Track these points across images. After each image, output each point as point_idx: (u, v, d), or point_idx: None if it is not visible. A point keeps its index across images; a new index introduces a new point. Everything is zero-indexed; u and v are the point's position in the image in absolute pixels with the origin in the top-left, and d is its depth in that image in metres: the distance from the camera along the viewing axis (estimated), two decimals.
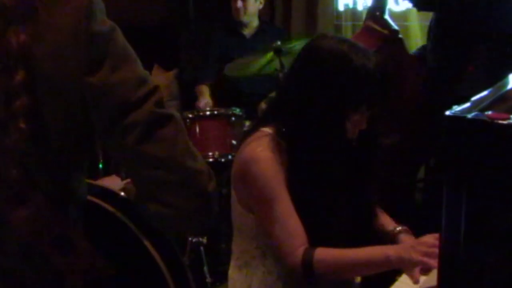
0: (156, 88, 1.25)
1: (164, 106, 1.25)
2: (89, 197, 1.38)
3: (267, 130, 1.89)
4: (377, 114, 1.89)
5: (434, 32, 3.10)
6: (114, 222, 1.41)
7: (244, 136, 1.96)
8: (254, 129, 1.94)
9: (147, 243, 1.40)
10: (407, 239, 1.90)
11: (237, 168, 1.90)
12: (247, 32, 4.47)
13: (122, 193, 1.45)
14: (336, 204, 1.87)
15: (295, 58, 1.96)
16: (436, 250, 1.62)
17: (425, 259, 1.66)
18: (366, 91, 1.82)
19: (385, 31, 3.11)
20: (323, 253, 1.75)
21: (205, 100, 4.30)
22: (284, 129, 1.86)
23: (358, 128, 1.88)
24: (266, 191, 1.80)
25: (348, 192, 1.92)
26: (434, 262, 1.63)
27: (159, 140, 1.22)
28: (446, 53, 3.00)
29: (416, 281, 1.68)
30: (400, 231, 1.94)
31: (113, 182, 1.71)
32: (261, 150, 1.83)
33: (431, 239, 1.72)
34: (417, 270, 1.67)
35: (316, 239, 1.78)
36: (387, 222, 2.01)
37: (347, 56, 1.81)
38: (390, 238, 1.94)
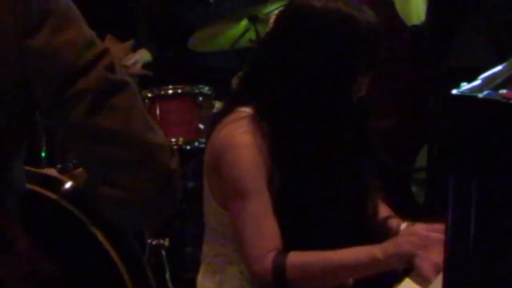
0: (105, 51, 1.25)
1: (116, 71, 1.25)
2: (28, 185, 1.37)
3: (245, 110, 1.86)
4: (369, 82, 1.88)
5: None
6: (59, 213, 1.40)
7: (217, 118, 1.93)
8: (229, 109, 1.91)
9: (100, 236, 1.38)
10: None
11: (210, 155, 1.88)
12: None
13: (69, 182, 1.44)
14: (328, 199, 1.86)
15: (275, 21, 1.94)
16: (430, 240, 1.66)
17: (419, 251, 1.65)
18: (370, 51, 1.81)
19: None
20: (297, 257, 1.73)
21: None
22: (266, 109, 1.84)
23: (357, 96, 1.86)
24: (242, 183, 1.78)
25: (343, 184, 1.90)
26: (429, 254, 1.64)
27: (112, 110, 1.22)
28: (440, 21, 3.07)
29: (428, 280, 1.66)
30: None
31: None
32: (239, 134, 1.80)
33: (421, 228, 1.72)
34: (427, 266, 1.65)
35: (302, 244, 1.76)
36: (389, 217, 1.99)
37: (344, 12, 1.79)
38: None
